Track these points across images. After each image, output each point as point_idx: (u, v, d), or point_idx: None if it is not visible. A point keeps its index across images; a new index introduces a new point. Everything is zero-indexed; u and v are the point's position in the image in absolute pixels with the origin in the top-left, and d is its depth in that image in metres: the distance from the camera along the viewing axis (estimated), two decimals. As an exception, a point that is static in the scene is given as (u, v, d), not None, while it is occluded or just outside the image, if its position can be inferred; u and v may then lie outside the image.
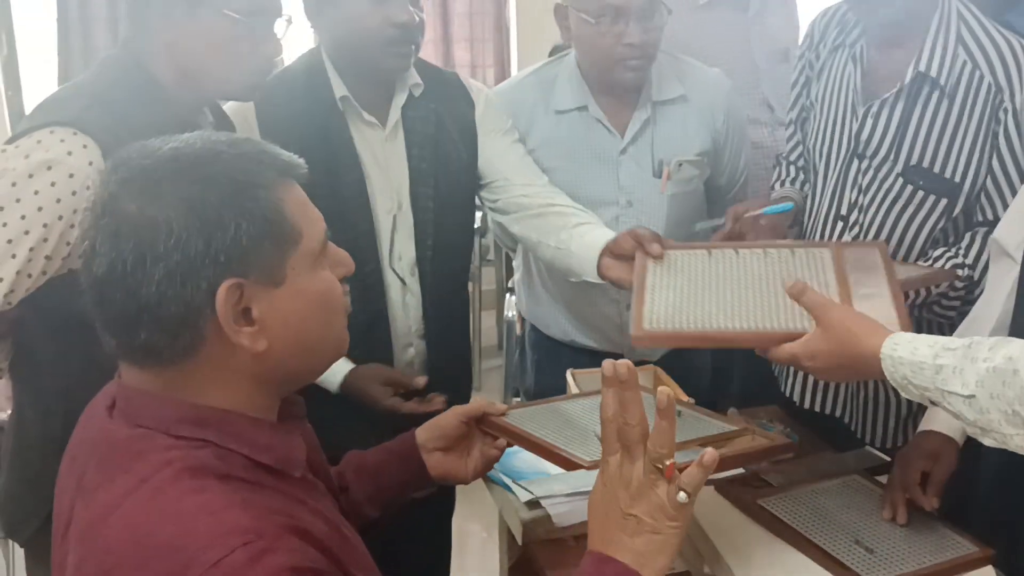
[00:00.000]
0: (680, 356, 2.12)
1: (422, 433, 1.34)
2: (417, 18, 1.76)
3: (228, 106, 1.74)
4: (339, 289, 1.04)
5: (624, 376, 0.97)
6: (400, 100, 1.85)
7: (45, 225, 1.37)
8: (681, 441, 1.32)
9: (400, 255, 1.86)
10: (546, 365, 2.30)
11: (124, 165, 0.94)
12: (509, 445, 1.36)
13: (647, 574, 0.97)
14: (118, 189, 0.93)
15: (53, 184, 1.37)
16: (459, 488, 1.86)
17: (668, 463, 0.96)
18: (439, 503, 2.03)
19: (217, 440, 0.93)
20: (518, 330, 3.20)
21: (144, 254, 0.90)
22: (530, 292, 2.32)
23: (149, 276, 0.90)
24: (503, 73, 5.56)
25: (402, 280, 1.87)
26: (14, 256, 1.37)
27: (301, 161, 1.01)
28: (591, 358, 2.12)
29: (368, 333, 1.81)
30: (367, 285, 1.80)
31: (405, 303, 1.88)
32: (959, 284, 1.71)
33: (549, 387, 2.05)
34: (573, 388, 1.86)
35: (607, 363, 0.98)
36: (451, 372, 1.98)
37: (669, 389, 0.90)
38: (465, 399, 1.97)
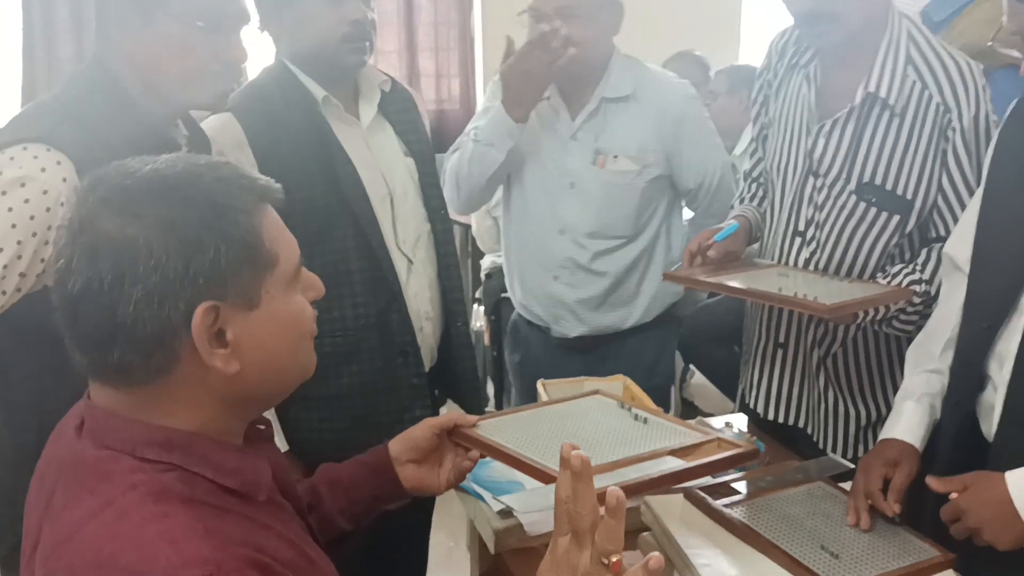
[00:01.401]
0: (648, 369, 2.28)
1: (395, 446, 1.36)
2: (370, 16, 1.85)
3: (213, 123, 1.77)
4: (310, 312, 1.05)
5: (577, 468, 0.92)
6: (375, 97, 1.95)
7: (19, 242, 1.37)
8: (650, 451, 1.37)
9: (404, 238, 1.94)
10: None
11: (103, 183, 0.94)
12: (482, 456, 1.38)
13: None
14: (97, 207, 0.92)
15: (27, 201, 1.36)
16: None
17: (615, 559, 0.92)
18: (415, 515, 2.07)
19: (182, 463, 0.94)
20: (486, 340, 3.24)
21: (123, 274, 0.90)
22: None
23: (127, 296, 0.90)
24: (468, 82, 5.59)
25: (409, 260, 1.95)
26: None
27: (278, 186, 1.03)
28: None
29: (387, 315, 1.89)
30: (382, 268, 1.88)
31: (413, 283, 1.96)
32: (917, 300, 1.77)
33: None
34: (543, 396, 1.89)
35: (566, 446, 0.96)
36: (461, 355, 2.07)
37: (617, 490, 0.90)
38: (473, 383, 2.10)
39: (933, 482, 1.42)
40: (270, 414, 1.77)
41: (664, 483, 1.32)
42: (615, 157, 2.28)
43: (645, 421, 1.48)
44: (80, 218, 0.93)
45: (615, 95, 2.28)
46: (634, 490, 1.25)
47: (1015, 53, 1.40)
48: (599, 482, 1.00)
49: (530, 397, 2.06)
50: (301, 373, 1.06)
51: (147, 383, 0.94)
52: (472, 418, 1.40)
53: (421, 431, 1.36)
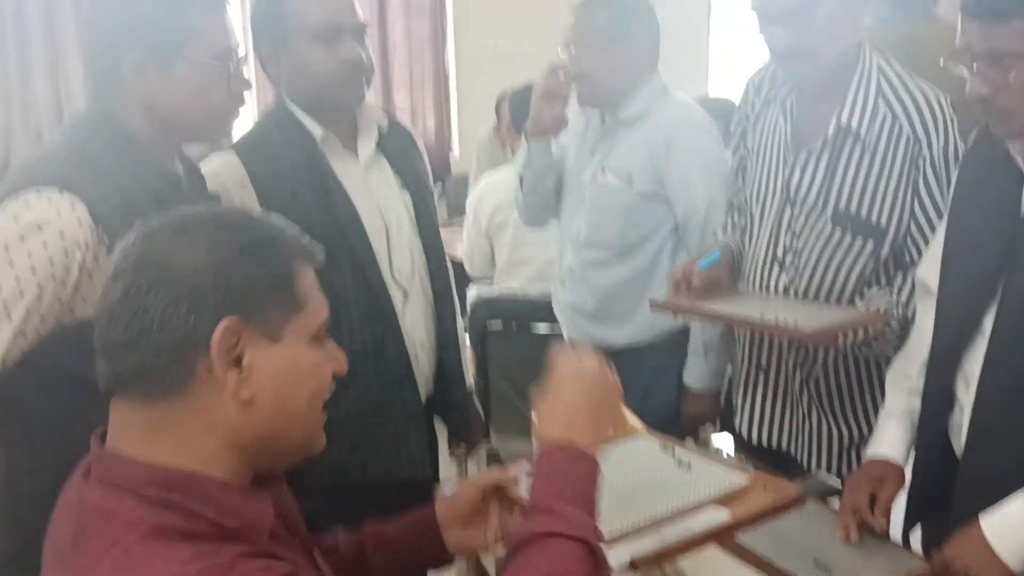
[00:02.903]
0: (640, 393, 2.33)
1: (443, 512, 1.34)
2: (365, 57, 1.91)
3: (217, 162, 1.82)
4: (328, 372, 1.07)
5: None
6: (373, 135, 2.01)
7: (39, 286, 1.38)
8: (695, 501, 1.36)
9: (399, 269, 1.99)
10: None
11: (167, 216, 1.02)
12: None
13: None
14: (155, 230, 1.00)
15: (45, 245, 1.38)
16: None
17: None
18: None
19: (183, 502, 0.95)
20: (473, 370, 3.28)
21: (159, 280, 0.95)
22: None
23: (159, 299, 0.94)
24: (442, 116, 5.66)
25: (405, 291, 1.99)
26: (9, 318, 1.38)
27: (320, 251, 1.09)
28: None
29: (383, 345, 1.94)
30: (378, 299, 1.93)
31: (409, 314, 2.00)
32: (894, 323, 1.82)
33: None
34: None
35: None
36: (455, 384, 2.12)
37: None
38: (467, 412, 2.16)
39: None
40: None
41: (710, 539, 1.32)
42: (603, 171, 2.41)
43: (689, 466, 1.48)
44: (136, 240, 1.00)
45: (628, 116, 2.40)
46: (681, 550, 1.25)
47: (964, 72, 1.44)
48: (640, 541, 1.05)
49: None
50: (308, 434, 1.08)
51: (162, 398, 0.97)
52: (511, 474, 1.38)
53: (467, 492, 1.34)
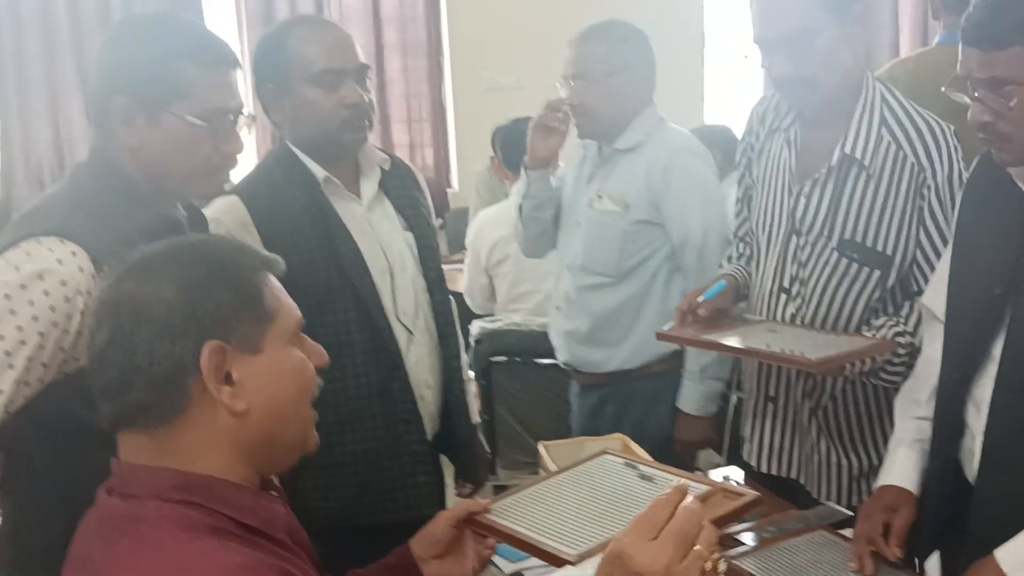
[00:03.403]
0: (638, 420, 2.42)
1: (417, 546, 1.38)
2: (366, 98, 1.92)
3: (219, 205, 1.83)
4: (311, 369, 1.15)
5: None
6: (375, 176, 2.02)
7: (41, 334, 1.38)
8: None
9: (404, 309, 1.99)
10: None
11: (129, 261, 1.09)
12: (499, 542, 1.39)
13: None
14: (122, 276, 1.07)
15: (47, 293, 1.38)
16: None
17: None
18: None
19: (204, 502, 1.02)
20: (478, 405, 3.27)
21: (140, 321, 1.02)
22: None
23: (143, 339, 1.02)
24: (441, 152, 5.69)
25: (409, 331, 1.99)
26: (12, 367, 1.37)
27: (279, 259, 1.17)
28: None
29: (388, 385, 1.94)
30: (383, 338, 1.93)
31: (413, 353, 2.00)
32: (901, 351, 1.82)
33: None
34: (546, 459, 1.92)
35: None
36: (460, 422, 2.11)
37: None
38: (473, 450, 2.17)
39: None
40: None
41: None
42: (600, 197, 2.47)
43: (652, 479, 1.50)
44: (108, 283, 1.08)
45: (625, 146, 2.46)
46: None
47: (965, 99, 1.45)
48: None
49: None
50: (302, 431, 1.15)
51: (164, 423, 1.04)
52: (484, 503, 1.40)
53: (438, 525, 1.37)
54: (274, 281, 1.13)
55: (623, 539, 0.98)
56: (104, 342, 1.04)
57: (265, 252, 1.16)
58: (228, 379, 1.05)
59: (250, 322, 1.07)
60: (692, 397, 2.43)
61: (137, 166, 1.52)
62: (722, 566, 1.01)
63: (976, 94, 1.42)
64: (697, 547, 0.97)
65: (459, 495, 2.22)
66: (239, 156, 1.62)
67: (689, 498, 1.01)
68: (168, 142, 1.51)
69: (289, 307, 1.13)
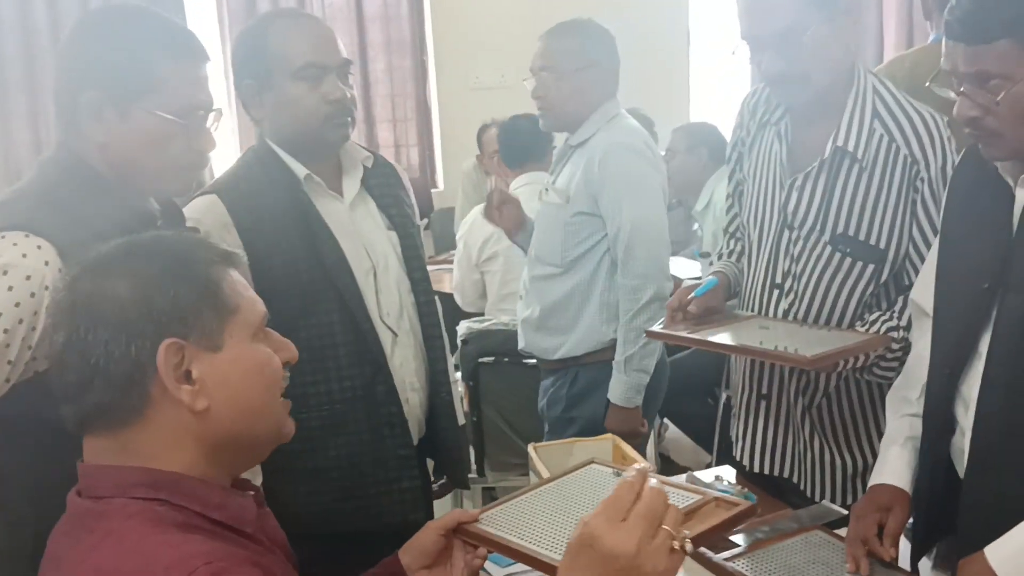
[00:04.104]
0: (578, 407, 2.61)
1: (405, 556, 1.36)
2: (349, 94, 1.90)
3: (199, 204, 1.80)
4: (277, 362, 1.13)
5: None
6: (358, 174, 1.98)
7: (6, 330, 1.35)
8: None
9: (388, 310, 1.95)
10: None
11: (85, 259, 1.08)
12: (490, 551, 1.37)
13: None
14: (77, 274, 1.06)
15: (11, 288, 1.35)
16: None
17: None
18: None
19: (171, 499, 1.02)
20: (465, 406, 3.25)
21: (95, 321, 1.01)
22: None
23: (99, 339, 1.01)
24: (426, 152, 5.66)
25: (394, 332, 1.96)
26: None
27: (241, 253, 1.16)
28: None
29: (373, 387, 1.91)
30: (367, 340, 1.89)
31: (398, 355, 1.97)
32: (895, 346, 1.80)
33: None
34: (536, 461, 1.90)
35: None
36: (446, 425, 2.08)
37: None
38: (458, 454, 2.14)
39: None
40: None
41: None
42: (547, 190, 2.64)
43: None
44: (64, 283, 1.07)
45: (577, 141, 2.59)
46: None
47: (951, 94, 1.44)
48: None
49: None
50: (273, 424, 1.13)
51: (127, 424, 1.03)
52: (473, 513, 1.38)
53: (427, 535, 1.35)
54: (236, 275, 1.11)
55: (591, 522, 0.98)
56: (61, 344, 1.04)
57: (225, 247, 1.14)
58: (188, 377, 1.03)
59: (209, 318, 1.05)
60: (618, 388, 2.54)
61: (105, 162, 1.49)
62: (688, 546, 1.01)
63: (962, 89, 1.40)
64: (664, 527, 0.98)
65: (434, 493, 2.20)
66: (212, 153, 1.60)
67: (652, 480, 1.01)
68: (139, 138, 1.48)
69: (252, 301, 1.11)
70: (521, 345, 2.79)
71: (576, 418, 2.64)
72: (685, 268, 4.05)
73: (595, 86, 2.56)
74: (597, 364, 2.59)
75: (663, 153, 4.09)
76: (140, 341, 1.01)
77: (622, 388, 2.53)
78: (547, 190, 2.64)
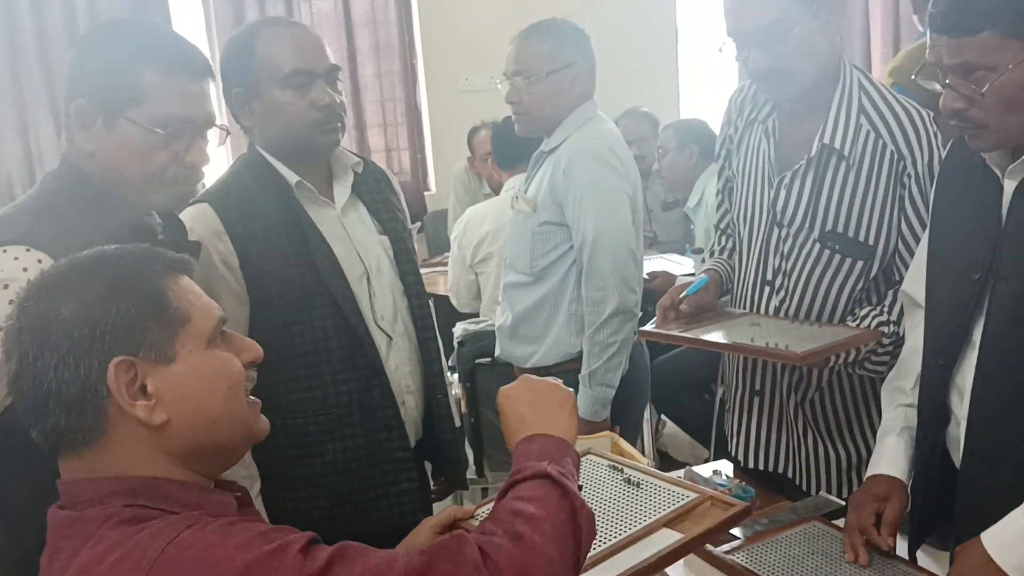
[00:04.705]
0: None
1: None
2: (338, 99, 1.90)
3: (191, 213, 1.80)
4: (237, 366, 1.11)
5: None
6: (348, 179, 1.99)
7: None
8: (645, 526, 1.35)
9: (382, 314, 1.96)
10: None
11: (32, 281, 1.08)
12: None
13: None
14: (24, 296, 1.06)
15: (11, 302, 1.35)
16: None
17: None
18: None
19: (149, 504, 1.02)
20: (463, 407, 3.25)
21: (41, 346, 1.01)
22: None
23: (48, 364, 1.01)
24: (417, 155, 5.66)
25: (388, 336, 1.97)
26: None
27: (190, 259, 1.15)
28: None
29: (368, 391, 1.91)
30: (362, 344, 1.90)
31: (393, 358, 1.97)
32: (886, 341, 1.81)
33: None
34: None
35: None
36: (442, 427, 2.09)
37: None
38: (455, 455, 2.14)
39: None
40: (258, 501, 1.77)
41: (665, 563, 1.31)
42: (516, 199, 2.59)
43: (638, 484, 1.48)
44: (13, 313, 1.07)
45: (549, 148, 2.53)
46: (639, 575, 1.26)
47: (936, 87, 1.45)
48: (597, 573, 1.13)
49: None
50: (240, 427, 1.12)
51: (91, 444, 1.03)
52: (469, 510, 1.40)
53: (424, 533, 1.38)
54: (186, 283, 1.11)
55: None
56: (14, 372, 1.04)
57: (172, 255, 1.13)
58: (145, 392, 1.03)
59: (158, 330, 1.04)
60: (583, 402, 2.47)
61: (96, 170, 1.51)
62: None
63: (947, 81, 1.41)
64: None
65: (433, 495, 2.20)
66: (206, 168, 1.59)
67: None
68: (122, 148, 1.49)
69: (205, 308, 1.10)
70: (497, 352, 2.75)
71: None
72: (679, 264, 4.07)
73: (570, 88, 2.49)
74: (569, 372, 2.51)
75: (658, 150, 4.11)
76: (88, 361, 1.01)
77: (588, 403, 2.46)
78: (517, 198, 2.59)
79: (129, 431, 1.03)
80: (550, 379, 1.30)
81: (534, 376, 1.31)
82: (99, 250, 1.09)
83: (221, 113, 1.74)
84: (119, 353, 1.01)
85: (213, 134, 1.59)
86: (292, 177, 1.89)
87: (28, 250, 1.39)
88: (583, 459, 1.60)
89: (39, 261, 1.38)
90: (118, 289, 1.04)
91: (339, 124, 1.91)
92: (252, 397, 1.15)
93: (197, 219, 1.80)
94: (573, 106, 2.50)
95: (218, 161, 1.67)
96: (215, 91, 1.61)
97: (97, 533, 0.98)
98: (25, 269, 1.37)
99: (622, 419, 2.58)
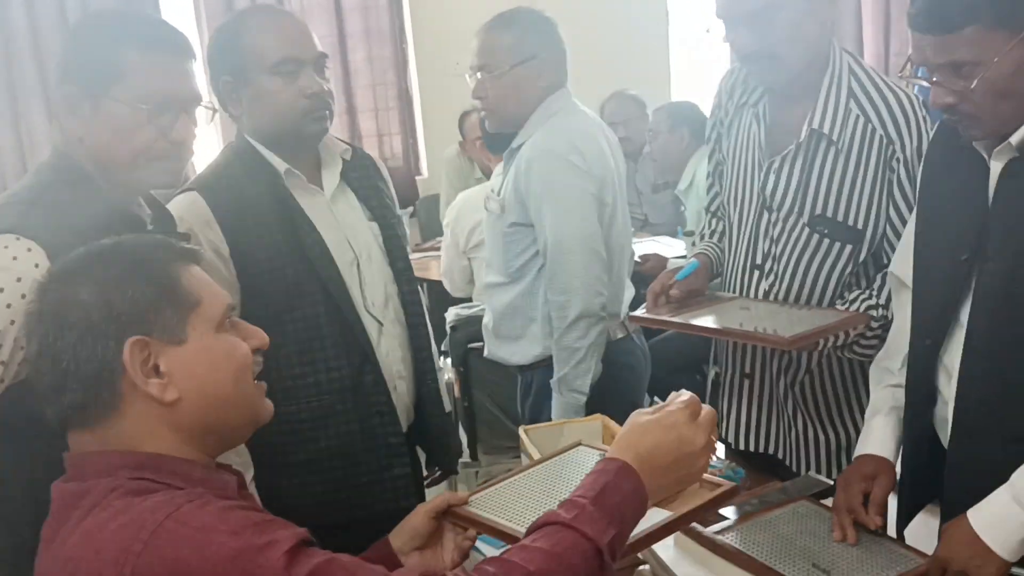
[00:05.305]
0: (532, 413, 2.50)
1: (396, 539, 1.38)
2: (326, 87, 1.90)
3: (180, 202, 1.81)
4: (245, 349, 1.17)
5: None
6: (337, 166, 1.99)
7: None
8: None
9: (372, 301, 1.97)
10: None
11: (52, 267, 1.16)
12: (480, 533, 1.39)
13: None
14: (44, 281, 1.13)
15: (2, 290, 1.38)
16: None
17: None
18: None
19: (154, 477, 1.07)
20: (456, 391, 3.26)
21: (61, 326, 1.07)
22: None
23: (67, 343, 1.07)
24: (409, 140, 5.64)
25: (379, 322, 1.98)
26: None
27: (200, 250, 1.22)
28: None
29: (360, 377, 1.92)
30: (353, 331, 1.91)
31: (384, 344, 1.98)
32: (875, 324, 1.82)
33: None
34: (527, 443, 1.91)
35: None
36: (433, 412, 2.10)
37: None
38: (445, 440, 2.15)
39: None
40: (251, 487, 1.78)
41: (651, 541, 1.32)
42: (488, 199, 2.53)
43: None
44: (34, 297, 1.14)
45: (516, 144, 2.43)
46: (624, 553, 1.27)
47: (924, 83, 1.45)
48: None
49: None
50: (246, 409, 1.18)
51: (103, 419, 1.09)
52: (463, 495, 1.41)
53: (418, 518, 1.39)
54: (197, 271, 1.17)
55: (674, 411, 1.21)
56: (35, 352, 1.10)
57: (186, 245, 1.20)
58: (158, 370, 1.09)
59: (170, 313, 1.10)
60: (556, 408, 2.44)
61: (88, 157, 1.52)
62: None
63: (935, 78, 1.41)
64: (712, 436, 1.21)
65: (428, 480, 2.21)
66: (196, 147, 1.60)
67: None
68: (108, 128, 1.51)
69: (214, 294, 1.16)
70: (485, 353, 2.67)
71: (538, 422, 2.51)
72: (670, 246, 4.08)
73: (535, 80, 2.36)
74: (548, 372, 2.46)
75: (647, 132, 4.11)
76: (105, 341, 1.07)
77: (560, 409, 2.41)
78: (488, 199, 2.51)
79: (141, 407, 1.09)
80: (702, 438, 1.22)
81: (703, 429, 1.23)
82: (117, 239, 1.16)
83: (209, 96, 1.74)
84: (134, 333, 1.07)
85: (201, 115, 1.60)
86: (281, 165, 1.89)
87: (18, 239, 1.39)
88: (573, 451, 1.61)
89: (28, 250, 1.39)
90: (134, 273, 1.10)
91: (327, 112, 1.92)
92: (258, 381, 1.20)
93: (187, 208, 1.81)
94: (541, 98, 2.39)
95: (210, 146, 1.67)
96: (202, 74, 1.61)
97: (103, 502, 1.03)
98: (15, 258, 1.38)
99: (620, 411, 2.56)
